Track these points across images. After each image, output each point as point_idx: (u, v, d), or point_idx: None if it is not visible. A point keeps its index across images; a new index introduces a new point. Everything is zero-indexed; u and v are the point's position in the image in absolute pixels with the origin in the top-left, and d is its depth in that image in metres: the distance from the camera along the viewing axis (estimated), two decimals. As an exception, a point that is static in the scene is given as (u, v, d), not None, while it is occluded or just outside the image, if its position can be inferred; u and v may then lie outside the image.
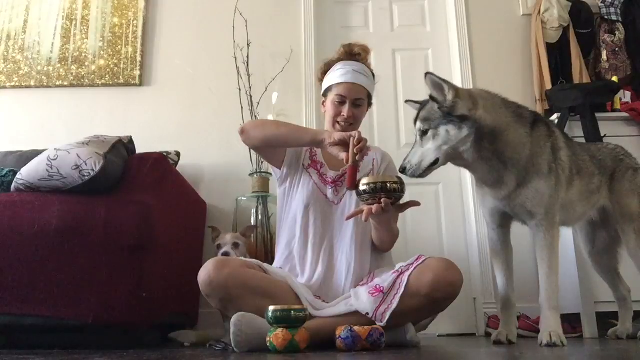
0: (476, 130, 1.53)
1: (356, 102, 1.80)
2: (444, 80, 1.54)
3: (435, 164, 1.58)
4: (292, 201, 1.81)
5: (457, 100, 1.53)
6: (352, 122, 1.81)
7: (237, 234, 2.25)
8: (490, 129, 1.55)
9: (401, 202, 1.57)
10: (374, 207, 1.49)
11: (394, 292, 1.51)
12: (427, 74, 1.56)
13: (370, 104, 1.90)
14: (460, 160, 1.60)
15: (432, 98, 1.58)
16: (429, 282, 1.50)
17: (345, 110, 1.78)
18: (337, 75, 1.81)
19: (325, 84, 1.86)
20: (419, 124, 1.60)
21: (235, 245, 2.16)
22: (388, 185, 1.48)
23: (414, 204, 1.57)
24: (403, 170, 1.60)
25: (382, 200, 1.48)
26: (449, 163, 1.63)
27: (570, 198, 1.75)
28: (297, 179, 1.81)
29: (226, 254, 2.09)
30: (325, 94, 1.87)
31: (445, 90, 1.53)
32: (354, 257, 1.71)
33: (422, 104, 1.65)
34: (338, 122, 1.81)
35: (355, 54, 1.88)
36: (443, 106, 1.54)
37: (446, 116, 1.54)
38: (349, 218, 1.65)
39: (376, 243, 1.76)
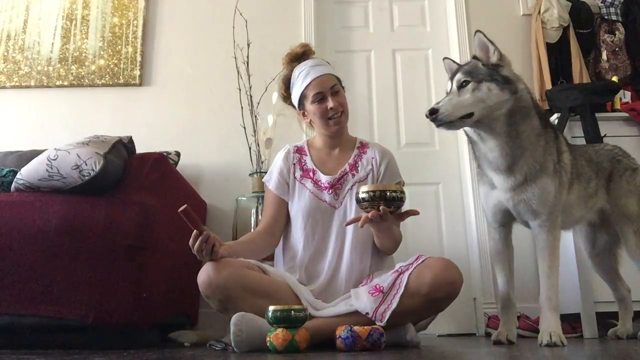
0: (515, 100, 1.56)
1: (333, 89, 1.78)
2: (491, 42, 1.59)
3: (469, 117, 1.54)
4: (291, 215, 1.80)
5: (502, 63, 1.58)
6: (342, 110, 1.80)
7: None
8: (524, 107, 1.58)
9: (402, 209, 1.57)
10: (371, 214, 1.49)
11: (393, 292, 1.51)
12: (476, 31, 1.61)
13: (343, 88, 1.88)
14: (489, 128, 1.57)
15: (475, 57, 1.62)
16: (429, 281, 1.49)
17: (330, 102, 1.77)
18: (302, 79, 1.79)
19: (296, 95, 1.83)
20: (459, 75, 1.58)
21: None
22: (388, 193, 1.49)
23: (413, 212, 1.57)
24: (434, 112, 1.52)
25: (380, 207, 1.48)
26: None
27: (569, 202, 1.75)
28: (292, 191, 1.80)
29: None
30: (301, 105, 1.84)
31: (490, 52, 1.59)
32: (355, 260, 1.70)
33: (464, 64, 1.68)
34: (330, 118, 1.79)
35: (300, 54, 1.87)
36: (488, 64, 1.58)
37: (491, 74, 1.56)
38: (348, 224, 1.65)
39: (379, 247, 1.75)
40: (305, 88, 1.78)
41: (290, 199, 1.81)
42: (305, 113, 1.84)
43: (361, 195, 1.51)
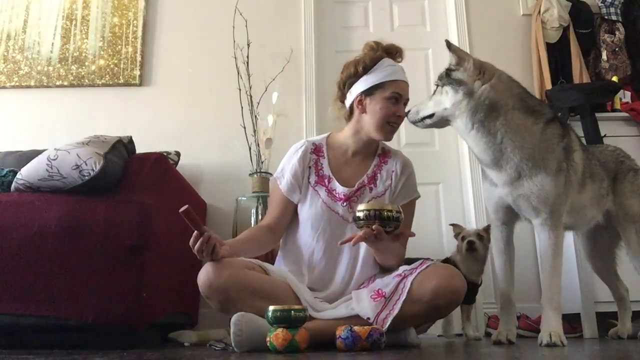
0: (471, 97, 1.62)
1: (406, 100, 1.75)
2: (452, 49, 1.69)
3: (430, 117, 1.73)
4: (299, 217, 1.74)
5: (458, 66, 1.66)
6: (400, 123, 1.75)
7: (480, 229, 2.16)
8: (489, 104, 1.60)
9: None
10: (364, 232, 1.47)
11: (395, 298, 1.49)
12: (445, 40, 1.74)
13: None
14: (457, 126, 1.69)
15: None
16: (432, 289, 1.47)
17: (401, 110, 1.72)
18: (389, 72, 1.71)
19: (374, 80, 1.71)
20: (436, 80, 1.75)
21: (480, 237, 2.04)
22: (384, 213, 1.47)
23: (408, 234, 1.58)
24: (406, 114, 1.77)
25: (373, 227, 1.46)
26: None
27: (582, 202, 1.74)
28: (303, 196, 1.73)
29: (471, 242, 2.00)
30: (368, 91, 1.71)
31: (449, 57, 1.69)
32: (367, 273, 1.68)
33: None
34: (389, 123, 1.71)
35: (395, 51, 1.81)
36: (446, 69, 1.69)
37: (448, 78, 1.67)
38: (342, 243, 1.58)
39: (380, 264, 1.70)
40: (389, 82, 1.71)
41: (301, 203, 1.74)
42: (364, 102, 1.72)
43: (357, 214, 1.50)
